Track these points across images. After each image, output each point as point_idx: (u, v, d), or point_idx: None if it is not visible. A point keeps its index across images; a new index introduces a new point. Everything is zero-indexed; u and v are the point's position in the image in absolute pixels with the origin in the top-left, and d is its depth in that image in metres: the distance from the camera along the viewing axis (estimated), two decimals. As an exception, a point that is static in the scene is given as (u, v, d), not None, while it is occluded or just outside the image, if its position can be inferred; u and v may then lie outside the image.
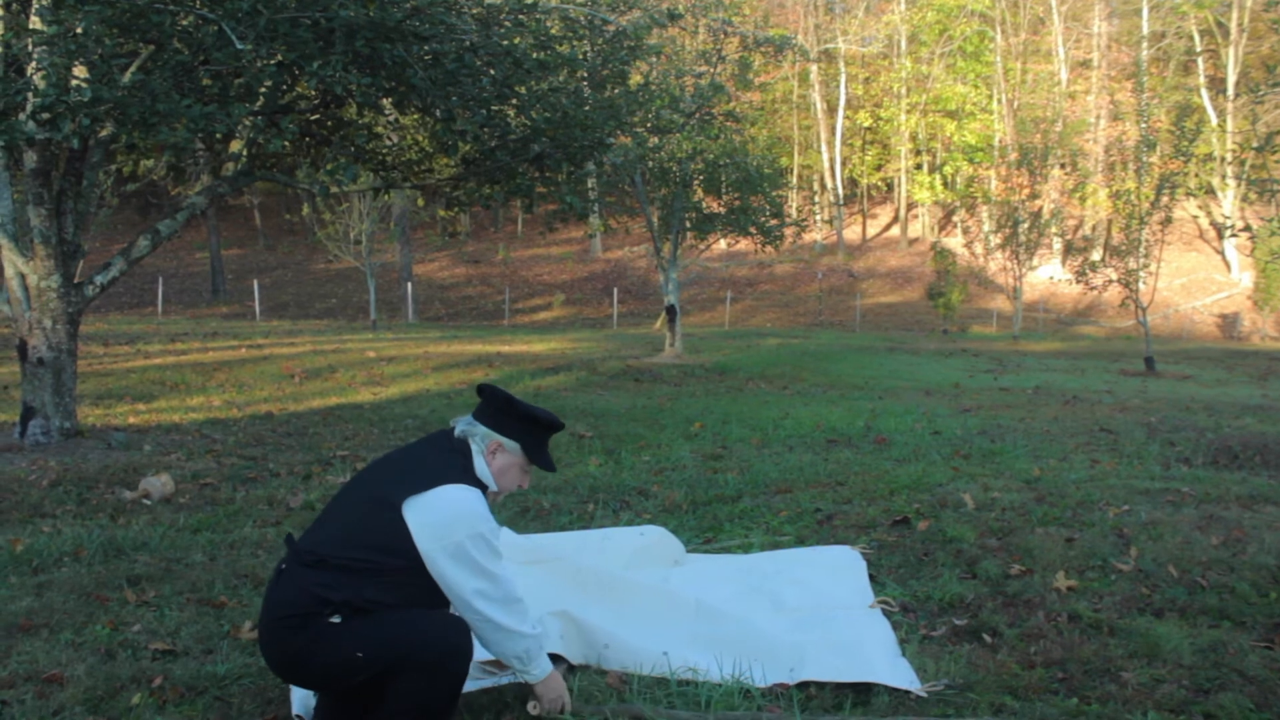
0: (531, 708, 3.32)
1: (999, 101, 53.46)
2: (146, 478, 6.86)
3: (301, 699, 3.41)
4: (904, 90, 53.68)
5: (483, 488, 3.21)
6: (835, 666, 3.61)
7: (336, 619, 2.92)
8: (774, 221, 21.85)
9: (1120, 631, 4.01)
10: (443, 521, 3.00)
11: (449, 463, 3.18)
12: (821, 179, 57.06)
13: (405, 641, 2.93)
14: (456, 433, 3.34)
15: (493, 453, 3.31)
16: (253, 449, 8.64)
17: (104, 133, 8.07)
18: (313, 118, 9.41)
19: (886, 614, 4.23)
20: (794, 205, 50.69)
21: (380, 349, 18.65)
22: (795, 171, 55.52)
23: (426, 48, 8.21)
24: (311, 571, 2.95)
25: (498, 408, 3.37)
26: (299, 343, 19.93)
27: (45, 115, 6.92)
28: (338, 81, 7.31)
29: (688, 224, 21.52)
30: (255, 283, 38.99)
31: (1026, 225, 32.38)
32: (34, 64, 7.23)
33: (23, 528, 5.81)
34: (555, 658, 3.72)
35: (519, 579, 4.19)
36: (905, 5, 54.36)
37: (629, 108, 13.81)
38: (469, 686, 3.59)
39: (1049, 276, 44.40)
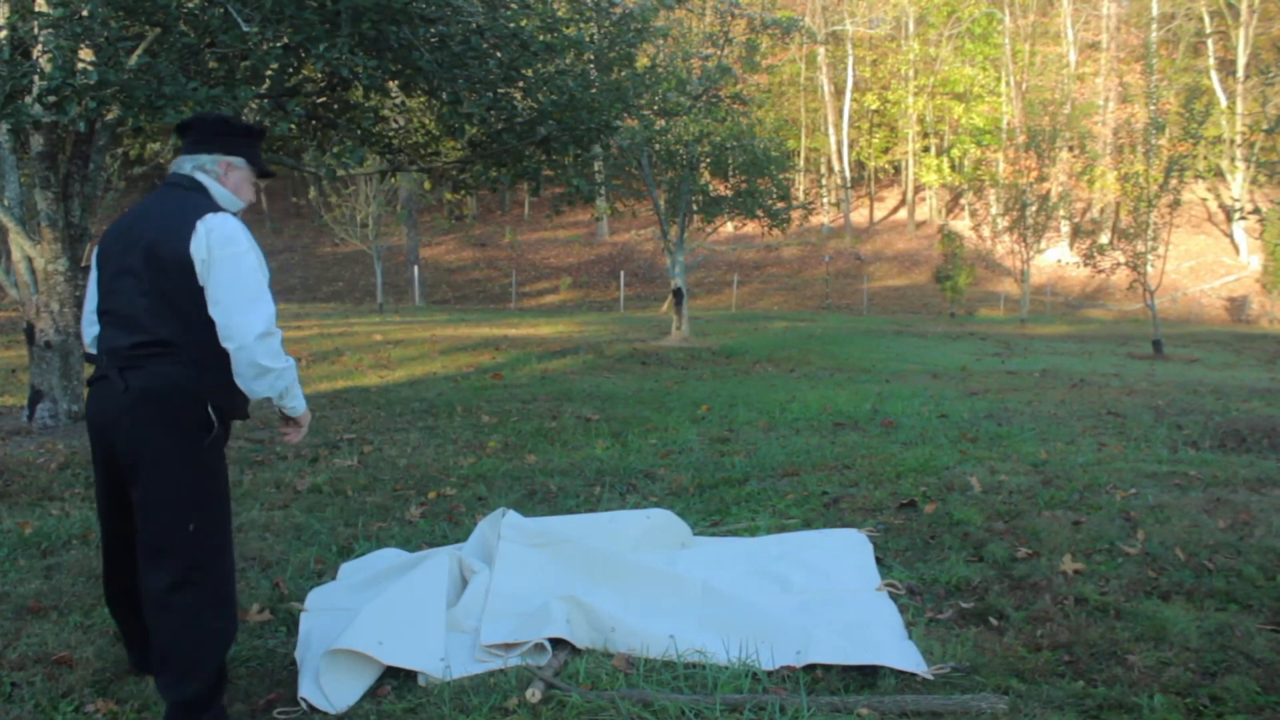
0: (530, 694, 3.33)
1: (1007, 84, 53.22)
2: (154, 461, 6.86)
3: (310, 679, 3.42)
4: (912, 72, 53.45)
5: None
6: (842, 649, 3.61)
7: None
8: (781, 204, 21.81)
9: (1127, 614, 4.01)
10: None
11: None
12: (829, 162, 56.86)
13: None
14: (186, 172, 3.36)
15: (226, 172, 3.41)
16: (259, 432, 8.66)
17: (110, 116, 8.06)
18: (319, 100, 9.39)
19: (893, 597, 4.23)
20: (801, 188, 50.65)
21: (387, 332, 18.67)
22: (802, 154, 55.37)
23: (433, 30, 8.19)
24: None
25: (217, 130, 3.42)
26: (306, 326, 19.96)
27: (51, 98, 6.92)
28: (344, 64, 7.30)
29: (695, 207, 21.49)
30: (262, 266, 38.97)
31: (1034, 208, 32.25)
32: (40, 47, 7.22)
33: (31, 510, 5.84)
34: (560, 642, 3.74)
35: (525, 562, 4.22)
36: (913, -13, 54.08)
37: (636, 90, 13.77)
38: (473, 670, 3.61)
39: (1057, 259, 44.31)
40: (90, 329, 3.39)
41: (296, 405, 3.38)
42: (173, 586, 3.10)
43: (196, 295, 3.12)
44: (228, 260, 3.11)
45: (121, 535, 3.33)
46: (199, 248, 3.09)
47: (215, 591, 3.19)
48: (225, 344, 3.12)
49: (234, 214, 3.30)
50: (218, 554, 3.22)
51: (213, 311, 3.11)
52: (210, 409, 3.18)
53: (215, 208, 3.23)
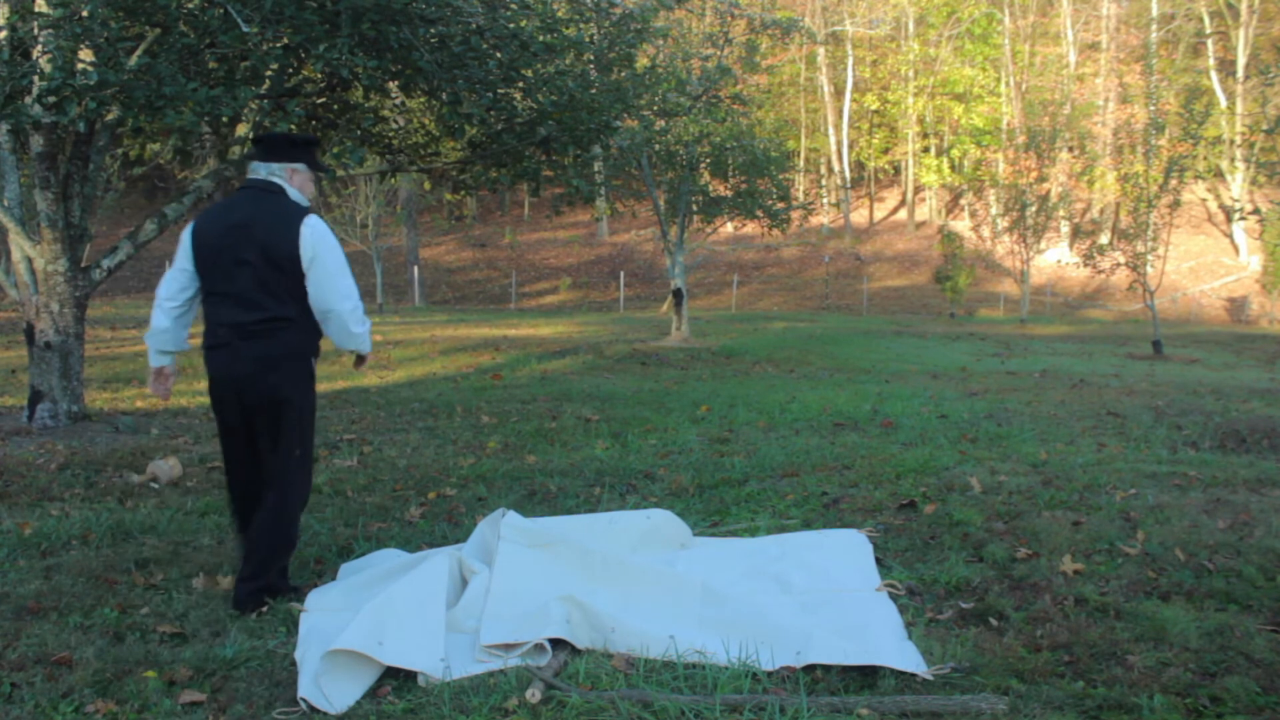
0: (530, 695, 3.33)
1: (1007, 84, 53.24)
2: (154, 461, 6.87)
3: (310, 679, 3.42)
4: (911, 73, 53.44)
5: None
6: (842, 649, 3.61)
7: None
8: (781, 205, 21.80)
9: (1127, 615, 4.01)
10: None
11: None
12: (828, 162, 56.85)
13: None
14: (262, 177, 4.37)
15: (291, 177, 4.41)
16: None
17: (110, 116, 8.06)
18: (319, 101, 9.38)
19: (893, 597, 4.23)
20: (801, 188, 50.64)
21: (387, 333, 18.67)
22: (802, 154, 55.37)
23: (433, 30, 8.19)
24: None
25: (282, 144, 4.45)
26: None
27: (51, 99, 6.92)
28: (344, 64, 7.30)
29: (694, 207, 21.49)
30: (262, 266, 38.97)
31: (1034, 208, 32.25)
32: (40, 47, 7.22)
33: (31, 511, 5.83)
34: (560, 642, 3.74)
35: (525, 563, 4.21)
36: (913, -13, 54.08)
37: (636, 91, 13.78)
38: (472, 670, 3.61)
39: (1057, 260, 44.30)
40: (167, 308, 4.36)
41: (368, 345, 4.50)
42: (279, 499, 4.33)
43: (301, 281, 4.22)
44: (324, 255, 4.22)
45: (243, 462, 4.44)
46: (305, 248, 4.18)
47: (298, 506, 4.45)
48: (324, 315, 4.28)
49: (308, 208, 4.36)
50: (308, 477, 4.48)
51: (313, 292, 4.23)
52: (312, 364, 4.40)
53: (301, 208, 4.30)
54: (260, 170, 4.34)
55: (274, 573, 4.34)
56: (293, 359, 4.28)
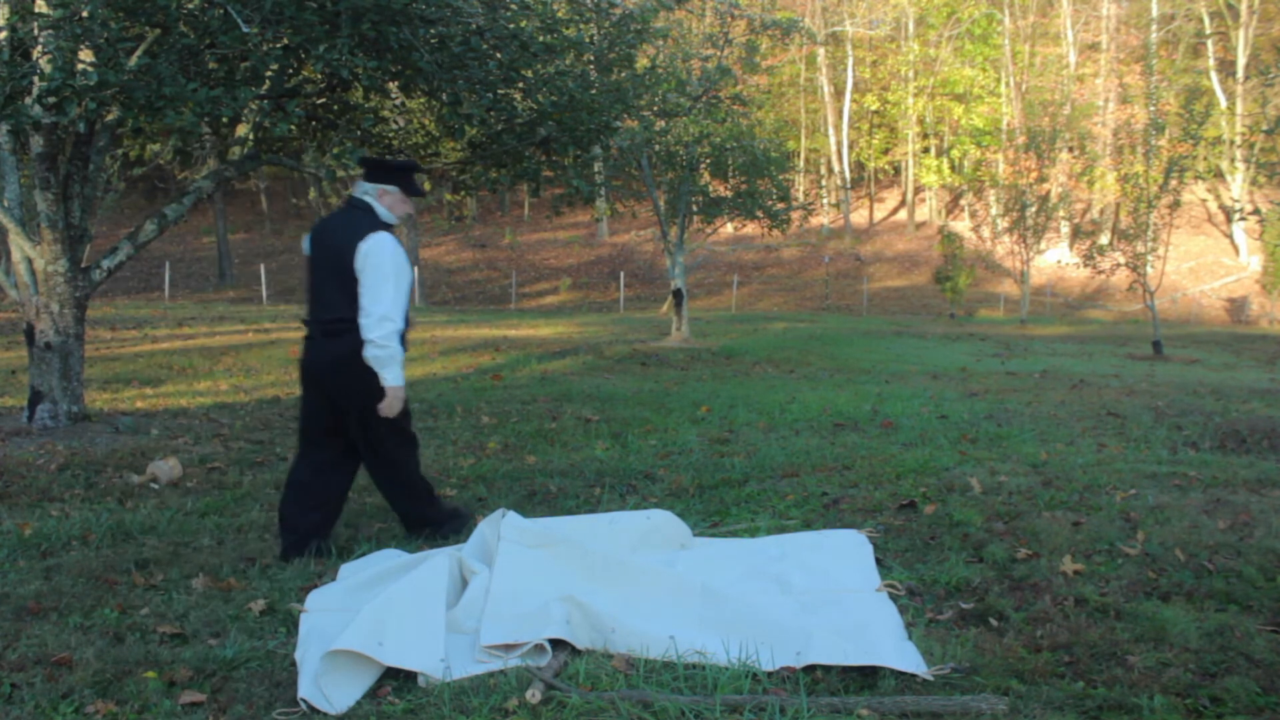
0: (530, 695, 3.33)
1: (1007, 84, 53.27)
2: (154, 462, 6.87)
3: (310, 680, 3.42)
4: (911, 73, 53.48)
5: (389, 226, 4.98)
6: (842, 650, 3.61)
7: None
8: (781, 205, 21.79)
9: (1127, 615, 4.00)
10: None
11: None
12: (828, 162, 56.88)
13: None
14: (358, 195, 5.02)
15: (380, 197, 5.01)
16: (260, 433, 8.67)
17: (110, 117, 8.05)
18: (319, 101, 9.38)
19: (893, 597, 4.23)
20: (801, 189, 50.64)
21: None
22: (802, 155, 55.41)
23: (433, 31, 8.19)
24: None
25: (376, 168, 5.08)
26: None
27: (51, 99, 6.91)
28: (344, 65, 7.29)
29: (694, 208, 21.48)
30: (262, 267, 39.04)
31: (1034, 209, 32.26)
32: (40, 48, 7.21)
33: (31, 511, 5.84)
34: (560, 643, 3.74)
35: (525, 563, 4.21)
36: (913, -12, 54.08)
37: (636, 91, 13.77)
38: (473, 670, 3.61)
39: (1057, 260, 44.33)
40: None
41: (386, 376, 4.83)
42: (391, 472, 5.19)
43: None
44: (370, 268, 4.74)
45: (313, 443, 5.14)
46: (359, 258, 4.74)
47: (411, 468, 5.23)
48: (361, 320, 4.76)
49: (393, 224, 5.00)
50: (408, 447, 5.21)
51: (359, 299, 4.76)
52: None
53: (377, 225, 4.86)
54: (358, 189, 5.02)
55: (428, 514, 5.30)
56: (359, 359, 4.79)
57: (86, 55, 7.22)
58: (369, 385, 4.82)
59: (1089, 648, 3.71)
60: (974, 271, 38.16)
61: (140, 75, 6.91)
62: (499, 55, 8.74)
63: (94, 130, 8.40)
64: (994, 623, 3.98)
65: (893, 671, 3.50)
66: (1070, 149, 38.58)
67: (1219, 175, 46.20)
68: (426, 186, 37.97)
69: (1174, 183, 23.34)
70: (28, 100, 7.19)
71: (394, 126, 10.52)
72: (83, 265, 8.62)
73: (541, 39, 9.21)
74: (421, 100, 10.02)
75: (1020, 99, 52.33)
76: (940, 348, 22.13)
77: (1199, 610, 4.05)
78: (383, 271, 4.74)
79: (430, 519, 5.29)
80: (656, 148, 20.22)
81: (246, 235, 52.21)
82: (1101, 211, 45.01)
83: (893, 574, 4.58)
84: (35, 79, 7.03)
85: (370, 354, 4.75)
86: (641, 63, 16.06)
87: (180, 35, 7.36)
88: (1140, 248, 23.72)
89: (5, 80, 6.91)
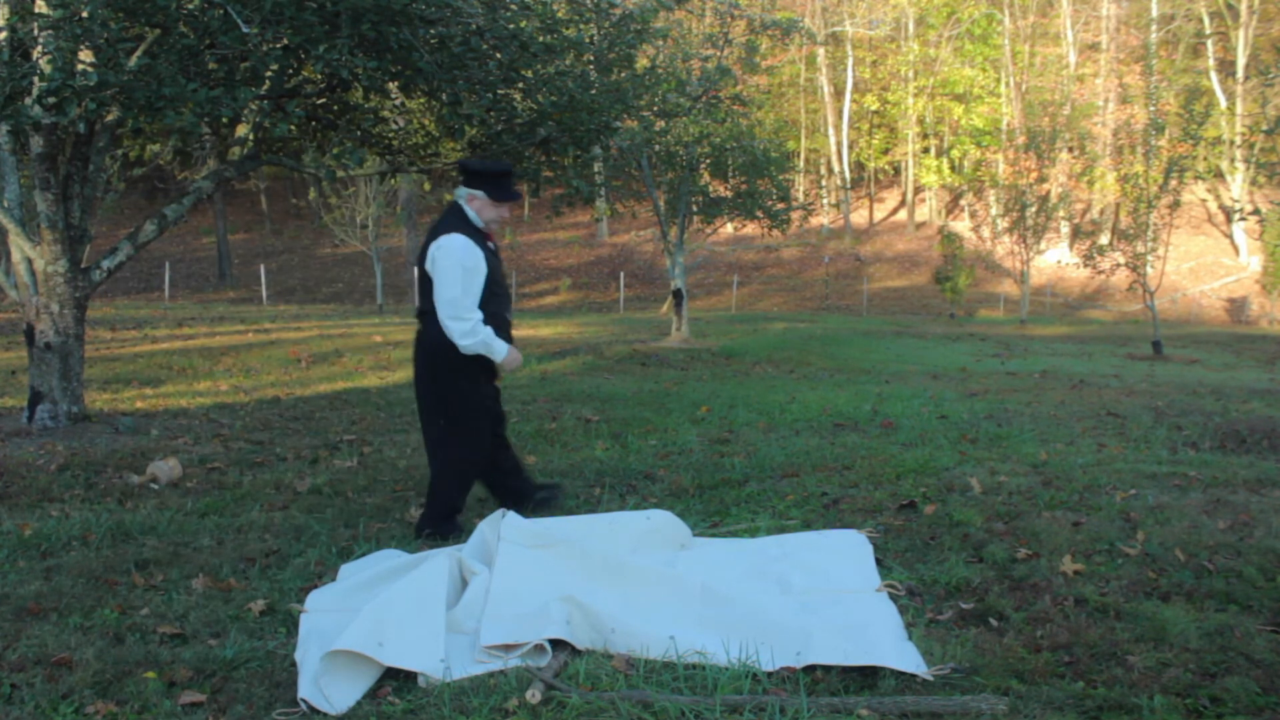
0: (530, 695, 3.33)
1: (1007, 85, 53.27)
2: (154, 462, 6.87)
3: (310, 680, 3.42)
4: (911, 73, 53.48)
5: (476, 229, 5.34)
6: (842, 650, 3.61)
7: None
8: (781, 205, 21.80)
9: (1127, 615, 4.00)
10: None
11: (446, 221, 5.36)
12: (828, 163, 56.88)
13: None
14: (455, 198, 5.40)
15: (469, 201, 5.35)
16: (260, 433, 8.66)
17: (110, 117, 8.05)
18: (319, 101, 9.38)
19: (893, 598, 4.23)
20: (801, 189, 50.64)
21: (387, 333, 18.66)
22: (802, 155, 55.40)
23: (433, 31, 8.19)
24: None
25: (467, 173, 5.40)
26: (305, 327, 19.95)
27: (51, 99, 6.91)
28: (344, 65, 7.29)
29: (694, 208, 21.49)
30: (262, 267, 39.03)
31: (1034, 209, 32.26)
32: (40, 48, 7.22)
33: (31, 512, 5.84)
34: (560, 643, 3.74)
35: (525, 563, 4.21)
36: (913, -12, 54.08)
37: (636, 91, 13.76)
38: (472, 671, 3.61)
39: (1056, 260, 44.33)
40: None
41: (495, 353, 5.31)
42: (434, 459, 5.55)
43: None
44: (439, 265, 5.17)
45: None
46: (430, 256, 5.22)
47: (450, 469, 5.50)
48: (438, 314, 5.20)
49: (481, 228, 5.34)
50: (459, 448, 5.48)
51: (434, 294, 5.21)
52: (462, 357, 5.29)
53: (455, 227, 5.24)
54: (457, 192, 5.43)
55: (436, 514, 5.47)
56: (438, 347, 5.28)
57: (86, 55, 7.22)
58: (439, 374, 5.35)
59: (1089, 648, 3.71)
60: (974, 272, 38.15)
61: (140, 75, 6.91)
62: (499, 55, 8.74)
63: (94, 130, 8.40)
64: (994, 623, 3.98)
65: (893, 672, 3.50)
66: (1070, 149, 38.59)
67: (1219, 175, 46.19)
68: (426, 187, 37.99)
69: (1174, 183, 23.35)
70: (28, 100, 7.19)
71: (394, 127, 10.51)
72: (83, 265, 8.61)
73: (541, 39, 9.21)
74: (421, 100, 10.01)
75: (1020, 99, 52.34)
76: (940, 348, 22.13)
77: (1199, 610, 4.05)
78: (451, 272, 5.12)
79: (431, 520, 5.46)
80: (656, 148, 20.22)
81: (246, 235, 52.21)
82: (1101, 211, 45.02)
83: (893, 574, 4.58)
84: (35, 79, 7.03)
85: (462, 345, 5.19)
86: (641, 63, 16.06)
87: (180, 35, 7.35)
88: (1140, 248, 23.72)
89: (5, 80, 6.91)
